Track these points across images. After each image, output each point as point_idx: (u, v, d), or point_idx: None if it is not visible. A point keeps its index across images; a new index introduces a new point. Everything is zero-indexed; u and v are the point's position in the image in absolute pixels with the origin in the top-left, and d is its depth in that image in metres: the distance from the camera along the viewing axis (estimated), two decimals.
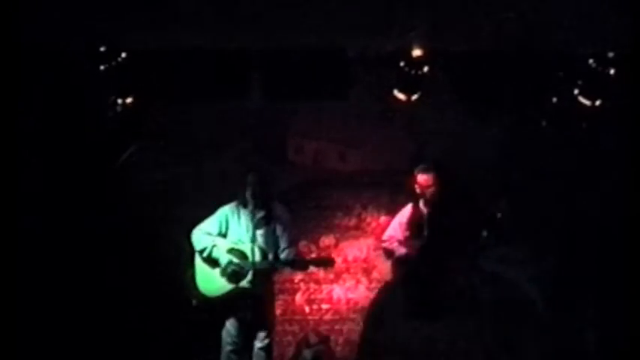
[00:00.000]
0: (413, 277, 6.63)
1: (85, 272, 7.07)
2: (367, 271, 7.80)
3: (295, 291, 7.72)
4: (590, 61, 6.60)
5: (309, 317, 7.75)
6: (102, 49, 6.39)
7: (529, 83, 6.78)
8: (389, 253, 6.81)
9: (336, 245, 7.74)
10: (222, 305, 6.09)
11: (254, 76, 6.71)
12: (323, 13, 6.25)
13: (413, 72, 6.62)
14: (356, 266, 7.80)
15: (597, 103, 6.75)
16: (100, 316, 7.06)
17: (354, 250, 7.81)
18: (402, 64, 6.61)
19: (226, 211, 6.20)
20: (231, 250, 6.04)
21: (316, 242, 7.70)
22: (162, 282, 7.15)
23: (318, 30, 6.34)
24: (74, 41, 6.25)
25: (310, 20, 6.26)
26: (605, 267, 7.21)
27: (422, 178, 6.60)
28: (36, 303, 6.70)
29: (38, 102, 6.77)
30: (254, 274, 5.92)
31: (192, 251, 6.19)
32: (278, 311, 7.11)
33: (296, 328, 7.69)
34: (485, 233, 6.44)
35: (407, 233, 6.70)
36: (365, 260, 7.81)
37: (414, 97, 6.84)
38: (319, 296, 7.79)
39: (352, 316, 7.78)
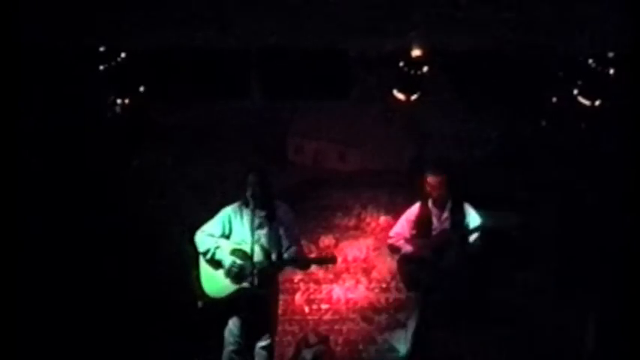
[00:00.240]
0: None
1: (85, 272, 7.07)
2: (367, 271, 7.80)
3: (295, 291, 7.72)
4: (590, 61, 6.61)
5: (309, 317, 7.75)
6: (102, 49, 6.39)
7: (529, 83, 6.79)
8: (395, 250, 6.82)
9: (335, 245, 7.73)
10: (226, 306, 6.08)
11: (254, 76, 6.71)
12: (323, 13, 6.24)
13: (413, 72, 6.63)
14: (355, 266, 7.80)
15: (597, 103, 6.76)
16: (101, 317, 7.06)
17: (353, 250, 7.81)
18: (401, 64, 6.62)
19: (229, 212, 6.19)
20: (234, 251, 6.03)
21: (316, 242, 7.70)
22: (163, 283, 7.15)
23: (318, 30, 6.34)
24: (74, 41, 6.24)
25: (310, 20, 6.25)
26: (605, 266, 7.21)
27: (432, 179, 6.61)
28: (37, 304, 6.70)
29: (38, 102, 6.77)
30: (257, 274, 5.90)
31: (196, 253, 6.18)
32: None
33: (295, 328, 7.69)
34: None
35: (413, 232, 6.72)
36: (364, 260, 7.81)
37: (414, 97, 6.84)
38: (319, 296, 7.78)
39: (352, 316, 7.78)
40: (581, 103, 6.79)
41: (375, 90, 7.07)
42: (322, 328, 7.68)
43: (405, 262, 6.78)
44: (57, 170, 7.09)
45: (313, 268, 7.28)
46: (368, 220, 7.85)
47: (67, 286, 6.99)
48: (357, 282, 7.79)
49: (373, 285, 7.80)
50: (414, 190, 7.40)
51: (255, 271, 5.89)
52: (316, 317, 7.74)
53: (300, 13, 6.19)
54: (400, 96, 6.85)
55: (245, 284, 5.94)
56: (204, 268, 6.15)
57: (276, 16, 6.25)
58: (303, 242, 6.75)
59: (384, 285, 7.79)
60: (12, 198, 6.22)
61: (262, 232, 6.07)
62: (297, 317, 7.71)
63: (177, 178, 7.52)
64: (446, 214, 6.64)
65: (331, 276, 7.75)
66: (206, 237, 6.15)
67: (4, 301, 6.11)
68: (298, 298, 7.73)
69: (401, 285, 7.67)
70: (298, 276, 7.63)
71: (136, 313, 7.17)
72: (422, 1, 6.25)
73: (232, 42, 6.41)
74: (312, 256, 7.19)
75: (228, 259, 6.02)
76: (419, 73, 6.63)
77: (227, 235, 6.15)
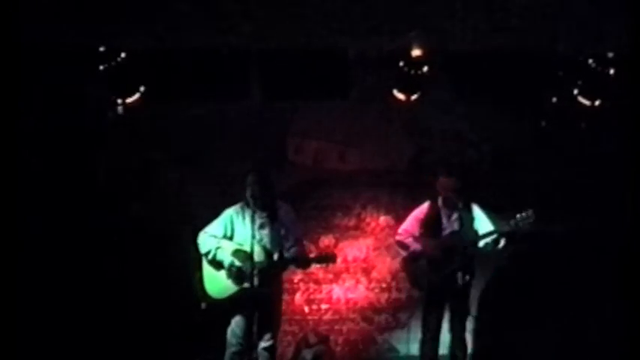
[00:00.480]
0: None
1: (86, 273, 7.07)
2: (367, 271, 7.80)
3: (295, 291, 7.71)
4: (590, 61, 6.61)
5: (309, 317, 7.74)
6: (102, 49, 6.39)
7: (529, 83, 6.79)
8: (403, 247, 6.77)
9: (335, 245, 7.72)
10: (229, 306, 6.08)
11: (254, 76, 6.71)
12: (323, 13, 6.24)
13: (413, 72, 6.63)
14: (355, 266, 7.80)
15: (597, 103, 6.77)
16: (104, 317, 7.06)
17: (353, 250, 7.81)
18: (401, 64, 6.62)
19: (231, 212, 6.18)
20: (235, 252, 6.02)
21: (316, 242, 7.69)
22: (166, 284, 7.14)
23: (318, 30, 6.34)
24: (74, 41, 6.23)
25: (310, 20, 6.25)
26: (605, 267, 7.21)
27: (445, 179, 6.59)
28: (37, 305, 6.70)
29: (38, 102, 6.77)
30: (259, 274, 5.89)
31: (199, 254, 6.18)
32: None
33: (295, 328, 7.68)
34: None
35: (422, 230, 6.69)
36: (364, 260, 7.81)
37: (414, 97, 6.85)
38: (319, 296, 7.78)
39: (352, 316, 7.78)
40: (581, 103, 6.80)
41: (375, 90, 7.06)
42: (322, 328, 7.68)
43: (413, 261, 6.73)
44: (57, 170, 7.08)
45: (313, 268, 7.26)
46: (368, 220, 7.85)
47: (68, 287, 6.98)
48: (357, 282, 7.79)
49: (373, 285, 7.80)
50: (413, 190, 7.44)
51: (256, 272, 5.88)
52: (316, 317, 7.74)
53: (300, 14, 6.19)
54: (400, 96, 6.85)
55: (246, 285, 5.94)
56: (207, 269, 6.15)
57: (276, 16, 6.25)
58: (304, 242, 6.75)
59: (384, 285, 7.79)
60: (12, 198, 6.21)
61: (264, 233, 6.06)
62: (297, 317, 7.71)
63: (178, 178, 7.51)
64: (456, 215, 6.59)
65: (331, 276, 7.75)
66: (208, 238, 6.15)
67: (5, 302, 6.10)
68: (298, 298, 7.73)
69: (401, 285, 7.69)
70: (298, 276, 7.63)
71: (138, 314, 7.16)
72: (422, 1, 6.26)
73: (232, 42, 6.41)
74: (312, 255, 7.19)
75: (228, 259, 6.02)
76: (419, 73, 6.63)
77: (229, 236, 6.14)
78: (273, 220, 6.10)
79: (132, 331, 7.12)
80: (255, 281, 5.87)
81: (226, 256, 6.04)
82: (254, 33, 6.36)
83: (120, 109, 6.70)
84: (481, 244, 6.49)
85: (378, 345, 7.79)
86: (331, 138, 7.79)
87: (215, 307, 6.10)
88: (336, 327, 7.74)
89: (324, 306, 7.77)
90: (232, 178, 6.64)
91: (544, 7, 6.19)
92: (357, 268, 7.80)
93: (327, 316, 7.76)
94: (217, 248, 6.08)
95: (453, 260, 6.47)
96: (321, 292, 7.77)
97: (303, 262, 6.25)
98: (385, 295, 7.79)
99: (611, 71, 6.58)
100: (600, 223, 7.29)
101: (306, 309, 7.75)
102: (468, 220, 6.56)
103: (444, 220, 6.64)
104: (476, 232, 6.56)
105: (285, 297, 7.26)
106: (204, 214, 6.41)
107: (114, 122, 6.92)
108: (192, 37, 6.29)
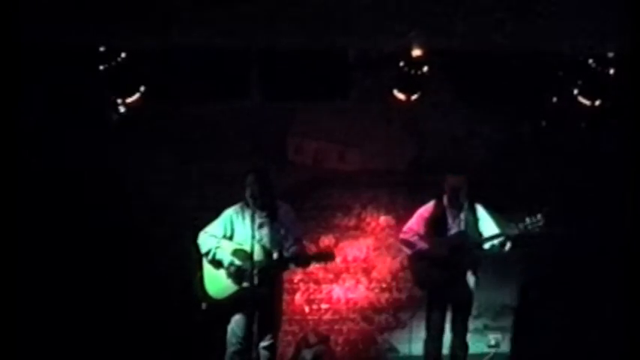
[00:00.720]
0: None
1: (87, 274, 7.07)
2: (367, 271, 7.80)
3: (295, 291, 7.71)
4: (590, 61, 6.60)
5: (309, 317, 7.75)
6: (102, 49, 6.39)
7: (529, 83, 6.79)
8: (409, 245, 6.74)
9: (335, 245, 7.71)
10: (229, 306, 6.08)
11: (254, 76, 6.71)
12: (323, 13, 6.23)
13: (413, 72, 6.63)
14: (355, 266, 7.80)
15: (597, 103, 6.77)
16: (104, 318, 7.07)
17: (353, 250, 7.81)
18: (402, 64, 6.62)
19: (231, 212, 6.19)
20: (235, 251, 6.03)
21: (316, 242, 7.68)
22: (167, 284, 7.14)
23: (318, 30, 6.33)
24: (74, 41, 6.23)
25: (310, 20, 6.24)
26: (605, 267, 7.21)
27: (453, 179, 6.58)
28: (37, 305, 6.70)
29: (38, 102, 6.77)
30: (259, 274, 5.90)
31: (199, 254, 6.18)
32: None
33: (295, 328, 7.69)
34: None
35: (427, 229, 6.67)
36: (364, 260, 7.81)
37: (414, 97, 6.85)
38: (319, 296, 7.78)
39: (352, 316, 7.79)
40: (581, 103, 6.80)
41: (375, 90, 7.06)
42: (322, 328, 7.68)
43: (418, 260, 6.71)
44: (57, 170, 7.08)
45: (313, 268, 7.28)
46: (368, 220, 7.85)
47: (68, 287, 6.99)
48: (357, 282, 7.79)
49: (373, 285, 7.80)
50: (414, 190, 7.44)
51: (256, 271, 5.88)
52: (316, 317, 7.74)
53: (300, 13, 6.19)
54: (400, 96, 6.85)
55: (246, 284, 5.94)
56: (207, 269, 6.16)
57: (276, 16, 6.25)
58: (303, 242, 6.74)
59: (384, 285, 7.79)
60: (12, 198, 6.21)
61: (264, 232, 6.06)
62: (297, 317, 7.71)
63: (178, 178, 7.51)
64: (462, 215, 6.59)
65: (331, 276, 7.75)
66: (208, 238, 6.16)
67: (5, 302, 6.10)
68: (298, 298, 7.73)
69: (401, 285, 7.70)
70: (298, 276, 7.63)
71: (139, 314, 7.17)
72: (422, 1, 6.25)
73: (232, 42, 6.41)
74: (311, 253, 7.18)
75: (228, 259, 6.03)
76: (419, 73, 6.63)
77: (229, 236, 6.15)
78: (272, 219, 6.10)
79: (132, 332, 7.13)
80: (255, 281, 5.87)
81: (226, 256, 6.04)
82: (254, 33, 6.35)
83: (120, 109, 6.70)
84: (487, 245, 6.48)
85: (378, 345, 7.80)
86: (331, 138, 7.79)
87: (215, 307, 6.11)
88: (336, 327, 7.75)
89: (324, 306, 7.77)
90: (232, 178, 6.63)
91: (544, 7, 6.17)
92: (357, 268, 7.80)
93: (327, 316, 7.76)
94: (217, 248, 6.09)
95: (460, 260, 6.47)
96: (321, 292, 7.77)
97: (303, 261, 6.24)
98: (385, 295, 7.79)
99: (611, 71, 6.58)
100: (600, 223, 7.29)
101: (306, 309, 7.75)
102: (472, 220, 6.55)
103: (450, 220, 6.63)
104: (480, 233, 6.56)
105: (285, 297, 7.26)
106: (205, 214, 6.41)
107: (114, 122, 6.91)
108: (191, 36, 6.27)
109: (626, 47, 6.33)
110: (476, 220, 6.58)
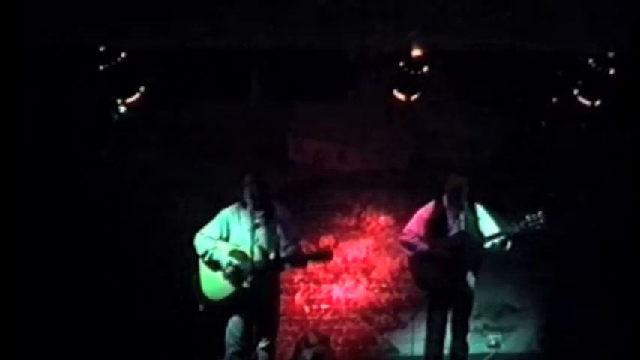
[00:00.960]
0: None
1: (86, 274, 7.07)
2: (367, 271, 7.80)
3: (295, 291, 7.72)
4: (590, 61, 6.61)
5: (309, 317, 7.75)
6: (102, 49, 6.39)
7: (529, 83, 6.79)
8: (409, 247, 6.73)
9: (335, 245, 7.71)
10: (227, 307, 6.08)
11: (254, 75, 6.71)
12: (323, 13, 6.23)
13: (413, 72, 6.63)
14: (355, 266, 7.80)
15: (597, 103, 6.77)
16: (103, 319, 7.07)
17: (353, 250, 7.81)
18: (402, 64, 6.62)
19: (227, 213, 6.19)
20: (232, 252, 6.03)
21: (316, 242, 7.68)
22: (165, 285, 7.14)
23: (318, 30, 6.33)
24: (74, 41, 6.23)
25: (310, 20, 6.24)
26: (605, 267, 7.22)
27: (455, 179, 6.56)
28: (37, 305, 6.70)
29: (38, 102, 6.77)
30: (255, 275, 5.90)
31: (196, 255, 6.18)
32: None
33: (295, 328, 7.69)
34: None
35: (427, 230, 6.65)
36: (364, 260, 7.81)
37: (414, 97, 6.85)
38: (319, 296, 7.78)
39: (352, 316, 7.79)
40: (581, 103, 6.80)
41: (375, 90, 7.06)
42: (322, 328, 7.68)
43: (419, 260, 6.69)
44: (57, 170, 7.08)
45: (313, 268, 7.29)
46: (368, 220, 7.85)
47: (68, 288, 6.99)
48: (357, 282, 7.79)
49: (373, 285, 7.80)
50: (413, 190, 7.44)
51: (253, 271, 5.88)
52: (316, 317, 7.74)
53: (300, 13, 6.19)
54: (400, 96, 6.86)
55: (244, 285, 5.94)
56: (204, 270, 6.15)
57: (276, 16, 6.25)
58: (303, 242, 6.75)
59: (384, 285, 7.80)
60: (12, 198, 6.22)
61: (260, 233, 6.05)
62: (297, 317, 7.71)
63: (178, 178, 7.51)
64: (462, 215, 6.57)
65: (331, 276, 7.75)
66: (205, 239, 6.15)
67: (5, 302, 6.11)
68: (298, 298, 7.73)
69: (401, 285, 7.70)
70: (298, 276, 7.63)
71: (138, 314, 7.17)
72: (422, 1, 6.25)
73: (232, 42, 6.41)
74: (308, 253, 7.18)
75: (225, 260, 6.03)
76: (419, 73, 6.63)
77: (225, 237, 6.15)
78: (269, 220, 6.10)
79: (131, 332, 7.13)
80: (252, 281, 5.88)
81: (224, 257, 6.04)
82: (254, 33, 6.35)
83: (120, 109, 6.71)
84: (488, 244, 6.47)
85: (378, 345, 7.80)
86: (331, 138, 7.79)
87: (213, 308, 6.11)
88: (336, 327, 7.75)
89: (324, 306, 7.77)
90: (232, 178, 6.63)
91: (544, 7, 6.17)
92: (357, 268, 7.80)
93: (327, 316, 7.76)
94: (214, 249, 6.08)
95: (460, 260, 6.46)
96: (321, 292, 7.77)
97: (299, 261, 6.24)
98: (385, 295, 7.79)
99: (611, 71, 6.59)
100: (600, 222, 7.29)
101: (306, 309, 7.75)
102: (472, 220, 6.55)
103: (450, 220, 6.61)
104: (480, 233, 6.55)
105: (285, 297, 7.28)
106: (203, 215, 6.40)
107: (114, 122, 6.92)
108: (192, 36, 6.27)
109: (626, 47, 6.34)
110: (476, 220, 6.57)
